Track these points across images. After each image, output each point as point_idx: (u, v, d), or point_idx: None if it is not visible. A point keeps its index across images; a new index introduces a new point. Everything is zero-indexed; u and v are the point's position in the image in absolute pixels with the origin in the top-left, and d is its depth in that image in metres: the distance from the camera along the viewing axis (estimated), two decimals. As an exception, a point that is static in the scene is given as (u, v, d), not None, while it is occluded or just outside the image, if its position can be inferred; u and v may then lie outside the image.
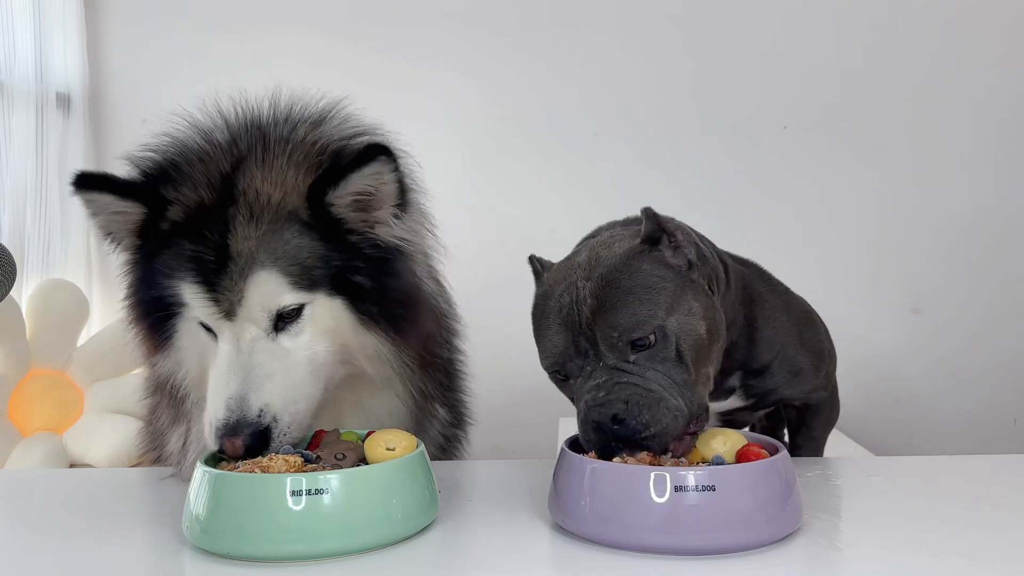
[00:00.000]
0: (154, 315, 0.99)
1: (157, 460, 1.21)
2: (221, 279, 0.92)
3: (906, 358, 2.51)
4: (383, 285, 0.97)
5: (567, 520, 0.84)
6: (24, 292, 2.31)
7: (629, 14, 2.55)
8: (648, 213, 0.91)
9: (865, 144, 2.52)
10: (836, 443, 2.00)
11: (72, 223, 2.51)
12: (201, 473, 0.84)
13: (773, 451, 0.85)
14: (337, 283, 0.95)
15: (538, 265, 0.99)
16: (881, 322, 2.51)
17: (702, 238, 0.98)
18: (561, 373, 0.90)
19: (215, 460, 0.91)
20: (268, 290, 0.93)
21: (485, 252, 2.24)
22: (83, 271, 2.55)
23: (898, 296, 2.51)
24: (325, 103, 1.05)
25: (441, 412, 1.13)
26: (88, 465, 2.23)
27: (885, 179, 2.51)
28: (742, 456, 0.85)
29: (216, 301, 0.93)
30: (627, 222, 1.05)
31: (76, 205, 2.77)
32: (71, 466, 2.24)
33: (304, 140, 0.99)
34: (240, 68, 2.50)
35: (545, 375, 1.15)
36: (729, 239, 1.16)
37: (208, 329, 0.96)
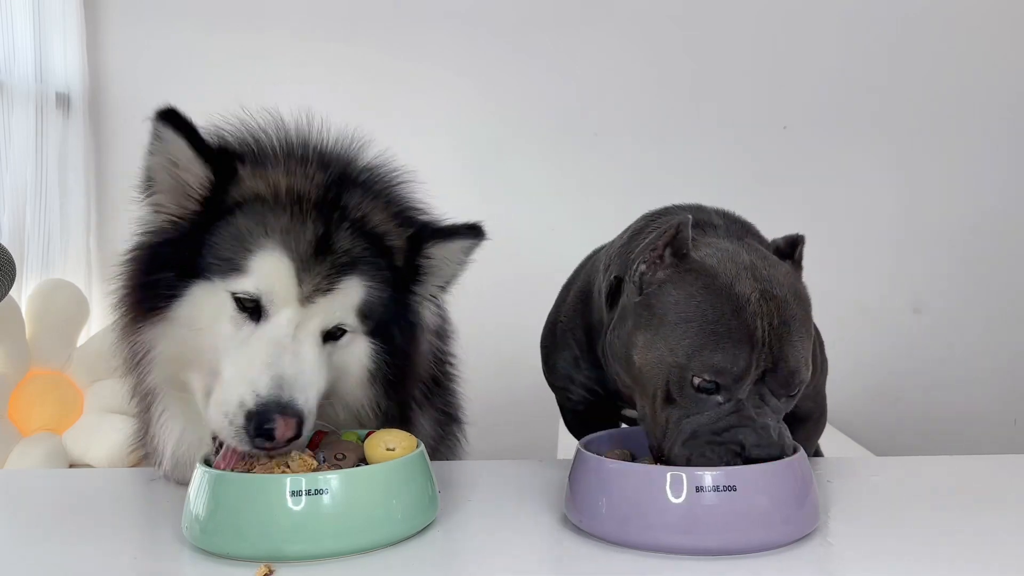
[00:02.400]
0: (167, 272, 0.93)
1: (146, 457, 1.20)
2: (316, 264, 0.91)
3: (906, 358, 2.51)
4: (404, 349, 0.99)
5: (585, 520, 0.84)
6: (24, 292, 2.31)
7: (629, 14, 2.55)
8: (803, 241, 0.89)
9: (866, 144, 2.52)
10: (836, 443, 2.00)
11: (72, 223, 2.51)
12: (201, 473, 0.84)
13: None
14: (377, 329, 0.97)
15: (686, 231, 0.85)
16: (881, 322, 2.51)
17: None
18: (716, 385, 0.81)
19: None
20: (350, 300, 0.93)
21: (485, 252, 2.24)
22: (83, 271, 2.55)
23: (898, 296, 2.51)
24: (386, 158, 1.06)
25: (424, 423, 1.11)
26: (88, 465, 2.23)
27: (885, 179, 2.51)
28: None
29: (301, 280, 0.90)
30: (741, 224, 1.00)
31: (76, 205, 2.73)
32: (71, 466, 2.24)
33: (392, 195, 1.03)
34: (240, 68, 2.50)
35: (545, 375, 1.15)
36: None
37: (246, 307, 0.91)
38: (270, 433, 0.83)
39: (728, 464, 0.79)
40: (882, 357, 2.50)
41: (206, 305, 0.92)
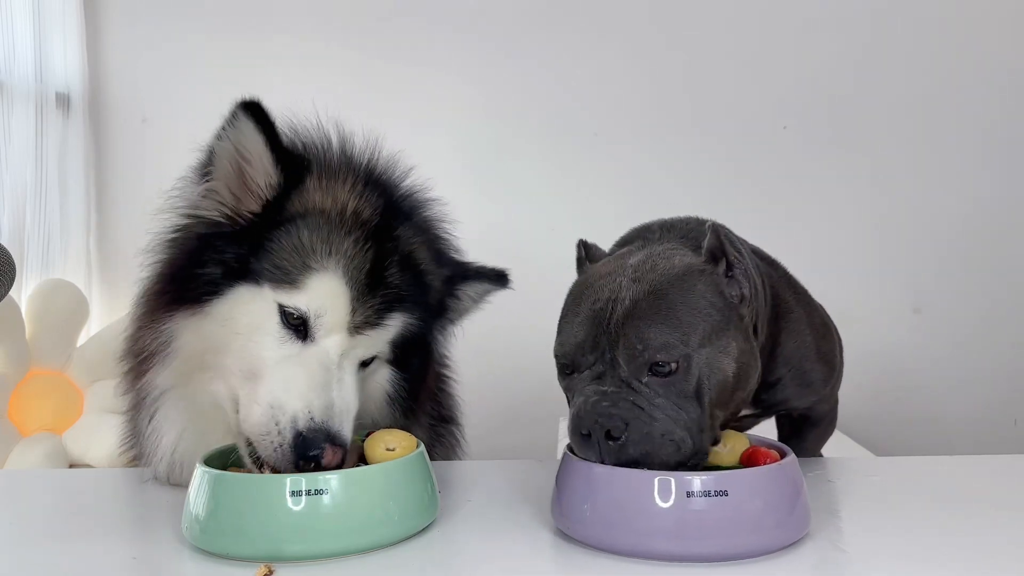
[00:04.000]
0: (204, 272, 0.91)
1: (137, 458, 1.19)
2: (370, 296, 0.91)
3: (906, 358, 2.51)
4: (420, 371, 1.02)
5: (569, 525, 0.84)
6: (24, 292, 2.31)
7: (629, 15, 2.55)
8: (714, 229, 0.86)
9: (865, 144, 2.52)
10: (836, 443, 1.99)
11: (72, 223, 2.51)
12: (201, 473, 0.84)
13: (778, 454, 0.84)
14: (399, 354, 0.98)
15: (583, 252, 0.95)
16: (881, 322, 2.51)
17: (749, 252, 0.92)
18: (569, 365, 0.85)
19: (215, 460, 0.91)
20: (392, 333, 0.94)
21: (485, 252, 2.25)
22: (83, 271, 2.55)
23: (898, 296, 2.51)
24: (419, 184, 1.07)
25: (415, 429, 1.12)
26: (88, 465, 2.23)
27: (885, 179, 2.51)
28: (748, 459, 0.84)
29: (353, 311, 0.90)
30: (685, 226, 1.01)
31: (76, 205, 2.73)
32: (71, 466, 2.24)
33: (429, 228, 1.04)
34: (240, 68, 2.50)
35: (546, 373, 1.15)
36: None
37: (292, 322, 0.90)
38: (317, 459, 0.84)
39: (584, 447, 0.80)
40: (882, 357, 2.50)
41: (249, 309, 0.90)
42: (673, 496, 0.76)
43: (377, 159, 1.03)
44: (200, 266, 0.92)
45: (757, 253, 1.11)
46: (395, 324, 0.94)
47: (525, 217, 2.52)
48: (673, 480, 0.76)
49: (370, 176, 0.99)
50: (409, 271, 0.96)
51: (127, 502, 1.05)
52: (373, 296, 0.91)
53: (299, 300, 0.89)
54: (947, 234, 2.50)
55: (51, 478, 1.28)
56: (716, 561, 0.77)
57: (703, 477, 0.76)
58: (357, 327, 0.91)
